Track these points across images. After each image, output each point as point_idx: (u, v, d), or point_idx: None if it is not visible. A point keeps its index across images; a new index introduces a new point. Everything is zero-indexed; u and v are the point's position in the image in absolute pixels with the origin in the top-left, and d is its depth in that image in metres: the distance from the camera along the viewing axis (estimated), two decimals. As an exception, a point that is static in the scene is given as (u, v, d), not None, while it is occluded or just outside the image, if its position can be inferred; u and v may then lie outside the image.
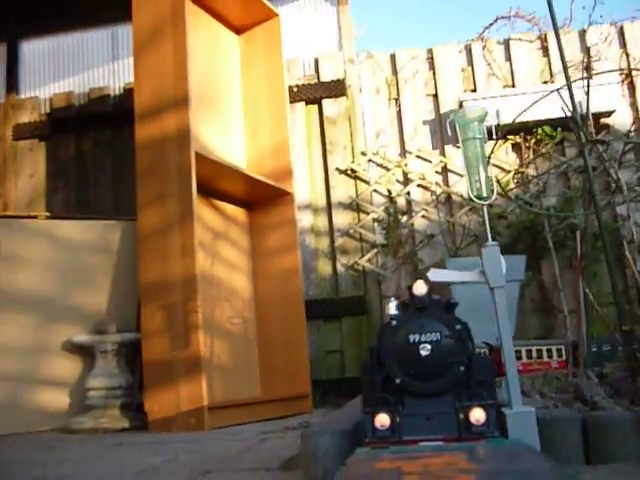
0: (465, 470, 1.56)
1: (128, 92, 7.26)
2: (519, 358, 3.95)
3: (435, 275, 1.93)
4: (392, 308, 2.26)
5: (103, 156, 7.32)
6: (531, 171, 6.57)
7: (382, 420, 2.00)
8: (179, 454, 3.17)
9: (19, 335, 5.06)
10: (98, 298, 5.27)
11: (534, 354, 4.11)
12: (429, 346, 2.06)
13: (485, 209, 2.51)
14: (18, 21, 7.91)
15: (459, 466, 1.59)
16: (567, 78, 3.10)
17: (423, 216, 6.49)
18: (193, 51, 5.13)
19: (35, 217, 7.11)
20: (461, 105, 6.45)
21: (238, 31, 6.53)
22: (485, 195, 2.47)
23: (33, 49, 7.96)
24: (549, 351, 4.17)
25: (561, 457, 2.03)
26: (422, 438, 1.95)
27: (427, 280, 2.14)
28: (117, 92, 7.54)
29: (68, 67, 7.82)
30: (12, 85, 7.81)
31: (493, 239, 6.13)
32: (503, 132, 6.32)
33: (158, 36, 5.12)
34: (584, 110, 5.56)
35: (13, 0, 7.91)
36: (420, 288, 2.15)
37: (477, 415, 1.95)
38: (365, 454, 1.82)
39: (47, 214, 7.02)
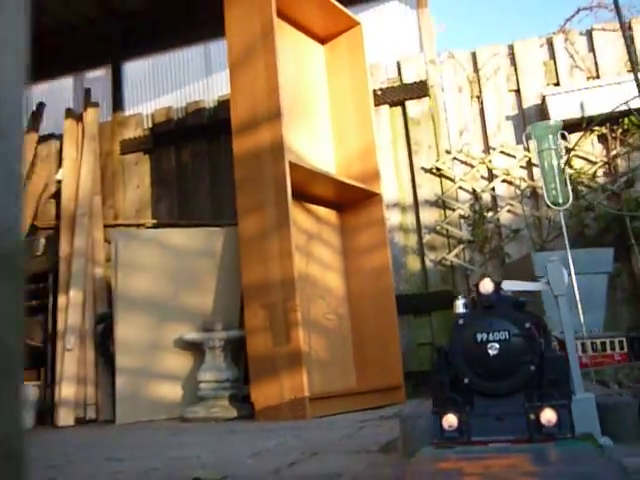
0: (527, 473, 1.55)
1: (222, 104, 7.76)
2: (585, 351, 4.07)
3: (508, 285, 2.08)
4: (460, 306, 2.25)
5: (201, 165, 7.84)
6: (620, 162, 6.56)
7: (450, 421, 1.98)
8: (287, 439, 3.54)
9: (137, 334, 5.60)
10: (205, 299, 5.75)
11: (599, 347, 4.22)
12: (497, 345, 2.03)
13: (562, 214, 2.72)
14: (121, 45, 8.57)
15: (522, 468, 1.58)
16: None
17: (509, 211, 6.62)
18: (282, 65, 5.49)
19: (143, 225, 7.74)
20: (544, 101, 6.52)
21: (323, 41, 6.86)
22: (561, 201, 2.68)
23: (134, 69, 8.62)
24: (612, 344, 4.26)
25: (619, 437, 2.23)
26: (491, 439, 1.90)
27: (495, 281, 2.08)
28: (211, 104, 8.04)
29: (166, 84, 8.41)
30: (117, 104, 8.49)
31: (581, 232, 6.25)
32: (587, 124, 6.35)
33: (250, 55, 5.51)
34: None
35: (117, 26, 8.58)
36: (487, 286, 2.12)
37: (548, 416, 1.90)
38: (430, 453, 1.82)
39: (154, 221, 7.64)
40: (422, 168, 6.95)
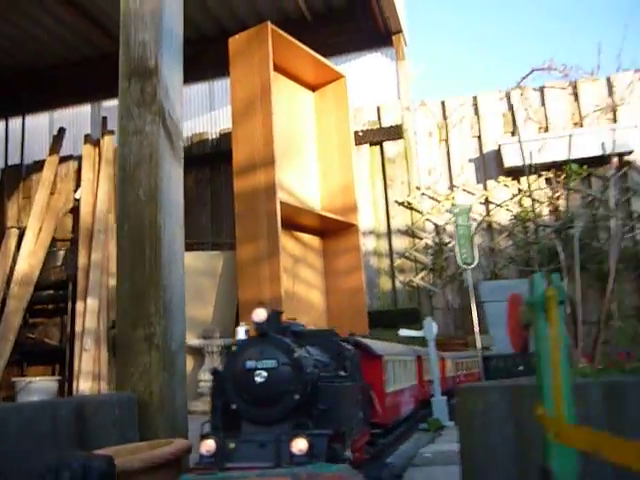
0: None
1: (223, 136, 8.84)
2: (460, 370, 5.26)
3: (403, 332, 3.06)
4: (240, 333, 2.44)
5: (203, 191, 8.91)
6: (562, 202, 7.67)
7: (208, 446, 1.96)
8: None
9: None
10: (205, 311, 6.82)
11: (466, 365, 5.35)
12: (265, 373, 2.05)
13: (469, 272, 3.82)
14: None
15: None
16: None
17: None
18: (277, 114, 6.57)
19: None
20: (500, 148, 7.63)
21: (313, 88, 7.96)
22: (470, 262, 3.78)
23: (146, 101, 9.66)
24: (476, 362, 5.39)
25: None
26: (248, 466, 1.92)
27: (268, 308, 2.18)
28: (214, 136, 9.12)
29: (174, 116, 9.46)
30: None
31: (527, 262, 7.33)
32: (535, 170, 7.48)
33: (250, 110, 6.60)
34: (605, 150, 6.76)
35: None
36: (261, 315, 2.14)
37: (300, 445, 1.94)
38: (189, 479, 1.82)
39: (160, 238, 8.69)
40: (395, 201, 8.06)
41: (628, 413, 1.64)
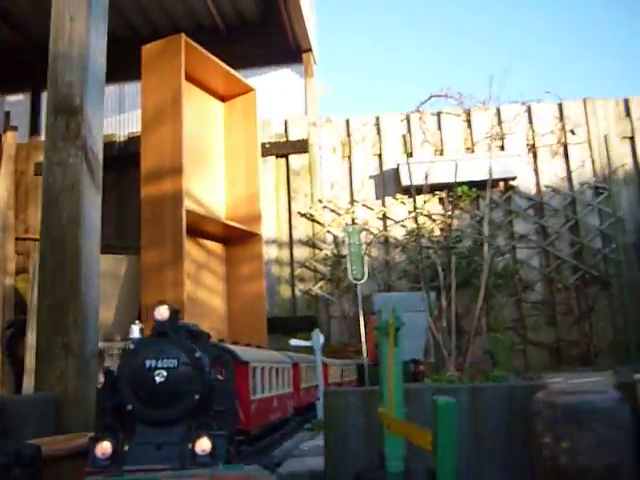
0: None
1: (132, 140, 8.89)
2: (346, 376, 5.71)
3: (293, 342, 3.35)
4: (135, 331, 2.51)
5: (109, 192, 8.88)
6: (454, 221, 8.25)
7: (104, 448, 1.91)
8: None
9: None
10: (107, 313, 6.88)
11: (350, 372, 5.82)
12: (165, 372, 2.04)
13: (359, 287, 4.19)
14: (42, 74, 9.48)
15: None
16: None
17: (365, 254, 8.16)
18: (187, 123, 6.75)
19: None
20: (398, 168, 8.12)
21: (223, 99, 8.18)
22: (359, 277, 4.15)
23: (53, 99, 9.57)
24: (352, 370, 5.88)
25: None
26: (146, 468, 1.88)
27: (170, 305, 2.24)
28: (122, 139, 9.15)
29: (82, 115, 9.43)
30: (34, 129, 9.42)
31: (417, 276, 7.78)
32: (430, 189, 8.02)
33: (160, 118, 6.75)
34: (493, 175, 7.35)
35: (37, 56, 9.49)
36: (163, 313, 2.15)
37: (203, 445, 1.94)
38: None
39: (62, 238, 8.64)
40: (298, 212, 8.40)
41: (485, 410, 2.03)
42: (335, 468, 2.22)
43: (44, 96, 9.63)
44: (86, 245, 3.20)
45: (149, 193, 6.66)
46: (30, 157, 9.21)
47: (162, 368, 2.07)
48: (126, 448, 1.96)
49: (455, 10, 20.13)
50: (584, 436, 1.95)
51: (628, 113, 8.45)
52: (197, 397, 2.10)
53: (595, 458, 1.93)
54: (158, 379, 2.05)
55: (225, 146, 8.03)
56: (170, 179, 6.51)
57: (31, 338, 6.64)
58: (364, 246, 4.55)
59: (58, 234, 3.23)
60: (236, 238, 7.62)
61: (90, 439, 1.99)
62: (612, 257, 7.95)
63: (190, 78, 7.30)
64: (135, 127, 9.09)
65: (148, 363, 2.08)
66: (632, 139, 8.36)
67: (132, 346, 2.18)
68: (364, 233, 8.25)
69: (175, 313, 2.24)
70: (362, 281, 4.04)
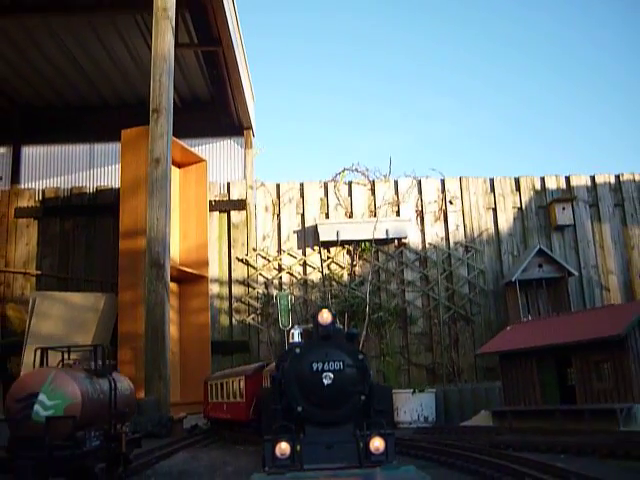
0: None
1: (100, 192, 10.85)
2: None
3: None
4: (295, 336, 2.63)
5: (79, 235, 10.81)
6: (358, 269, 10.59)
7: (282, 448, 2.04)
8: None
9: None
10: (86, 338, 8.82)
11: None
12: (332, 375, 2.18)
13: (286, 332, 6.38)
14: (22, 131, 11.30)
15: None
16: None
17: (290, 293, 10.40)
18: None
19: (28, 274, 10.56)
20: (316, 226, 10.42)
21: (179, 166, 10.28)
22: (286, 325, 6.35)
23: (32, 152, 11.41)
24: None
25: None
26: (322, 466, 2.03)
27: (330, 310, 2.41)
28: (91, 191, 11.06)
29: (57, 169, 11.30)
30: (15, 178, 11.21)
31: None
32: (341, 243, 10.36)
33: (135, 187, 8.80)
34: (390, 235, 9.76)
35: (18, 115, 11.31)
36: (326, 317, 2.34)
37: (377, 444, 2.05)
38: (262, 479, 1.95)
39: (38, 272, 10.50)
40: (236, 258, 10.55)
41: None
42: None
43: (23, 150, 11.48)
44: (166, 331, 5.56)
45: (126, 247, 8.69)
46: (11, 202, 10.96)
47: (329, 370, 2.19)
48: (298, 448, 2.08)
49: (368, 104, 24.87)
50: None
51: (492, 189, 11.07)
52: (363, 398, 2.25)
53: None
54: (326, 381, 2.19)
55: (180, 205, 10.12)
56: (142, 237, 8.54)
57: (27, 358, 8.52)
58: (288, 292, 6.88)
59: (154, 325, 5.44)
60: (188, 279, 9.71)
61: (266, 440, 2.09)
62: (475, 300, 10.50)
63: (156, 153, 9.37)
64: (102, 181, 11.09)
65: (315, 366, 2.23)
66: (494, 210, 10.98)
67: (297, 350, 2.35)
68: (287, 276, 10.53)
69: (335, 316, 2.48)
70: (288, 327, 6.24)
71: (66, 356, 4.39)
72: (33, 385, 3.35)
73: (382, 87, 26.16)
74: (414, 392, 8.28)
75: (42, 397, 3.36)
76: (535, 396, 7.24)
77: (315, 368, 2.32)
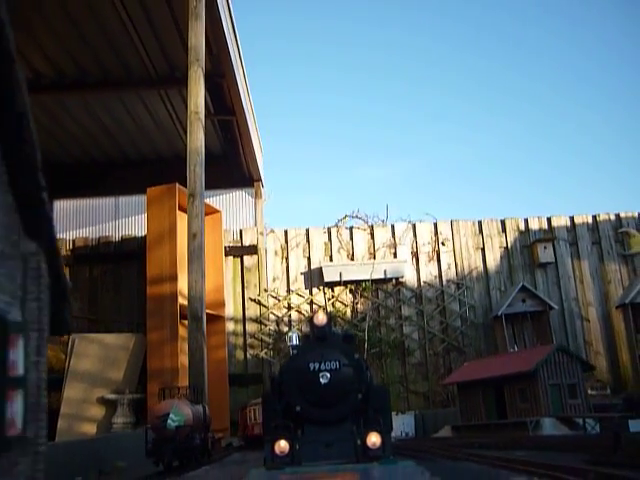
0: None
1: (125, 241, 12.01)
2: None
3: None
4: (293, 339, 2.71)
5: (107, 280, 11.96)
6: (359, 306, 11.69)
7: (282, 446, 2.12)
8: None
9: (76, 393, 9.60)
10: (119, 374, 9.91)
11: None
12: (328, 374, 2.24)
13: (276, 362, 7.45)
14: (54, 186, 12.45)
15: None
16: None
17: (298, 329, 11.48)
18: (180, 240, 9.93)
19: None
20: (321, 268, 11.54)
21: (197, 216, 11.41)
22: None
23: (63, 206, 12.60)
24: None
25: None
26: (321, 464, 2.13)
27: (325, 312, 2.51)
28: (117, 239, 12.22)
29: (86, 220, 12.48)
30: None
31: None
32: (344, 283, 11.46)
33: (161, 239, 9.95)
34: (388, 275, 10.90)
35: (50, 172, 12.47)
36: (321, 318, 2.37)
37: (373, 439, 2.13)
38: (260, 474, 2.02)
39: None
40: (250, 298, 11.67)
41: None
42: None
43: (55, 204, 12.66)
44: (204, 369, 6.68)
45: (153, 292, 9.81)
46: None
47: (325, 370, 2.21)
48: (297, 446, 2.11)
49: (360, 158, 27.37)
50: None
51: (480, 231, 12.21)
52: (360, 396, 2.27)
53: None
54: (323, 380, 2.21)
55: (199, 251, 11.24)
56: (168, 283, 9.69)
57: (67, 393, 9.60)
58: (297, 330, 8.23)
59: (196, 365, 6.57)
60: (207, 319, 10.73)
61: (265, 440, 2.16)
62: (467, 333, 11.57)
63: (180, 208, 10.55)
64: (127, 231, 12.26)
65: (312, 366, 2.26)
66: (483, 249, 12.10)
67: (294, 351, 2.42)
68: (296, 314, 11.62)
69: (330, 318, 2.45)
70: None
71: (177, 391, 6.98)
72: (166, 408, 5.53)
73: (373, 132, 29.18)
74: (397, 414, 9.85)
75: (172, 415, 5.50)
76: (481, 414, 9.79)
77: (312, 368, 2.43)
